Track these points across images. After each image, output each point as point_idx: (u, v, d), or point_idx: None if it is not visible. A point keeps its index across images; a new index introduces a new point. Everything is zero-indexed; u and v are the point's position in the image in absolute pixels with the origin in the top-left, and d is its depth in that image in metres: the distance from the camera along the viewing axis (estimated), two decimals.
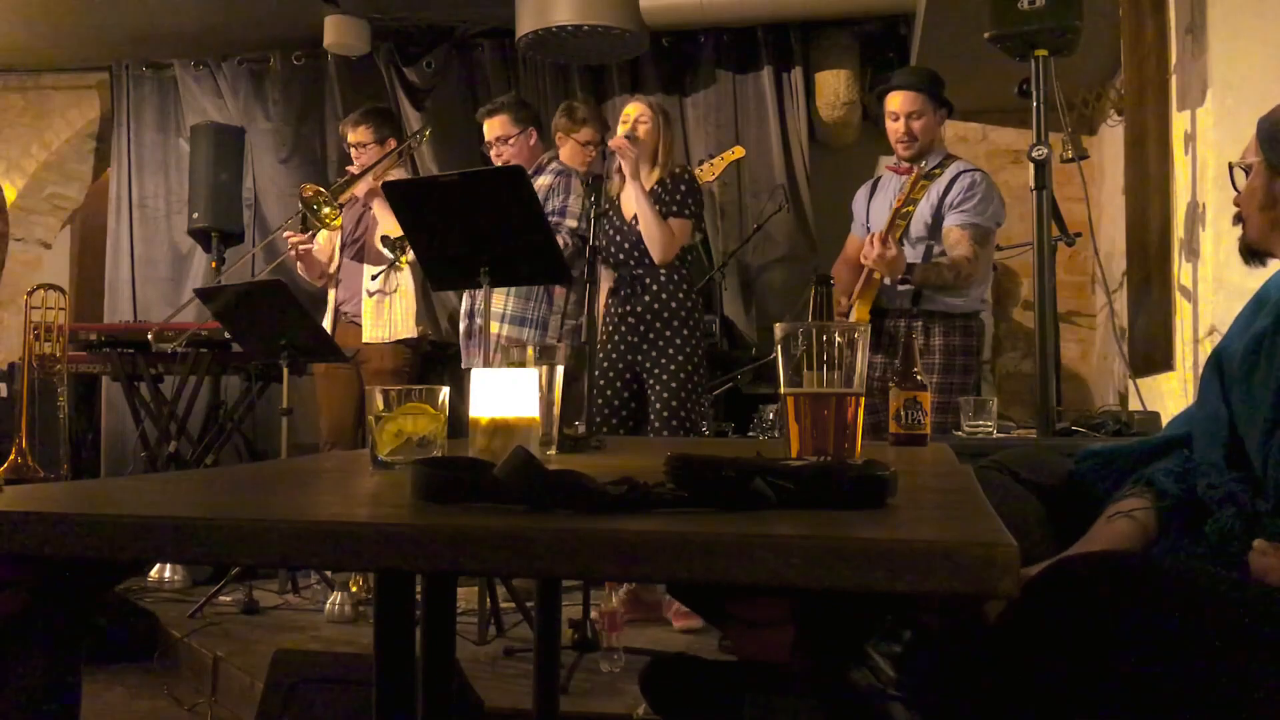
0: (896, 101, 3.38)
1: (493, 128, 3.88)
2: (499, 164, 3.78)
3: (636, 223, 3.45)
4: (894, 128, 3.40)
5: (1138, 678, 1.05)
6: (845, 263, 3.58)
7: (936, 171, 3.35)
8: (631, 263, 3.49)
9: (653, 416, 3.44)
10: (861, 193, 3.63)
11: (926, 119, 3.36)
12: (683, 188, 3.46)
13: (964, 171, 3.33)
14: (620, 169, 3.48)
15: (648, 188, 3.45)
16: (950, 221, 3.29)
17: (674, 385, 3.41)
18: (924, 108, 3.36)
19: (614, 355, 3.49)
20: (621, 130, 3.46)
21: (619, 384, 3.49)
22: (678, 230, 3.43)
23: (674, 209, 3.43)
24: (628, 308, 3.50)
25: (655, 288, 3.47)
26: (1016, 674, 1.08)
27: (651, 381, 3.46)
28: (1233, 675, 1.03)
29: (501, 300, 3.74)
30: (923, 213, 3.31)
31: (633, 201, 3.43)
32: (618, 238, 3.51)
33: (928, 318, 3.31)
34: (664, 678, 1.19)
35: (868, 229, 3.53)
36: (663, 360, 3.44)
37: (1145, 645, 1.05)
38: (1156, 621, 1.07)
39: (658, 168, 3.49)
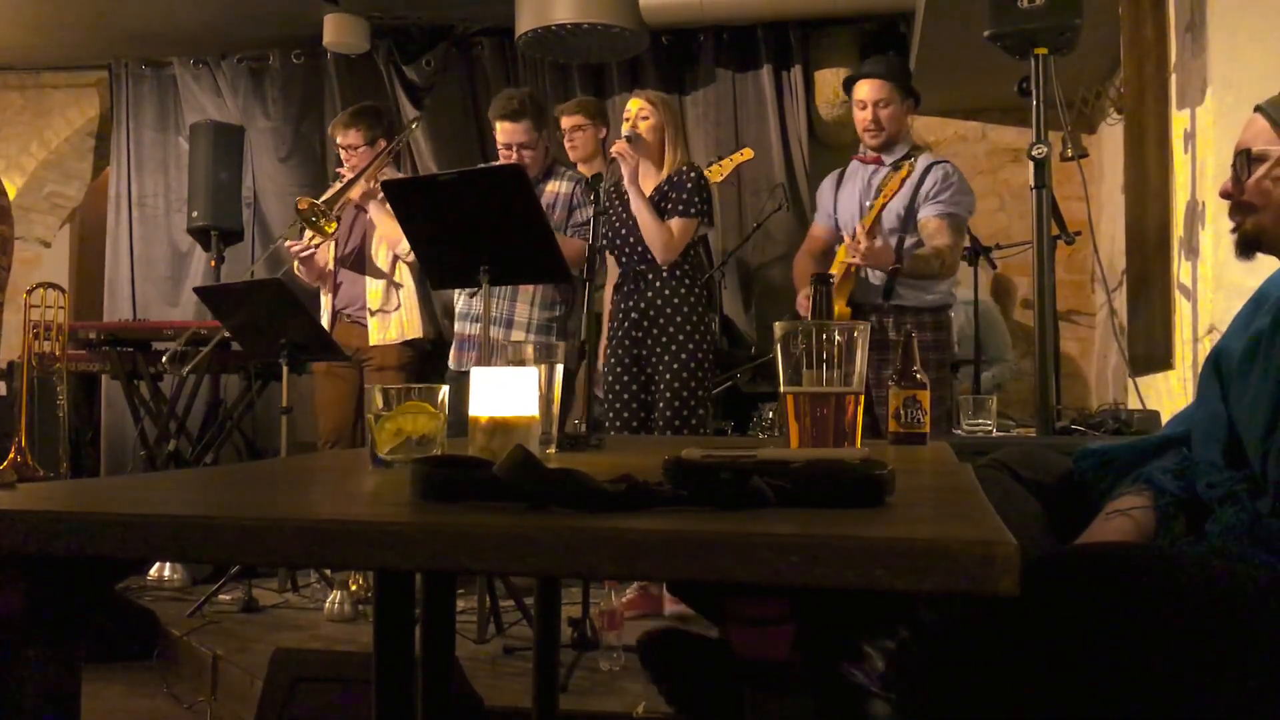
0: (864, 90, 3.39)
1: (514, 133, 3.68)
2: None
3: None
4: (861, 116, 3.41)
5: (1137, 668, 1.05)
6: (808, 254, 3.58)
7: (909, 164, 3.35)
8: (635, 257, 3.47)
9: (656, 414, 3.44)
10: (828, 183, 3.62)
11: (893, 108, 3.37)
12: (688, 185, 3.41)
13: (936, 163, 3.36)
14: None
15: (654, 185, 3.43)
16: (928, 212, 3.30)
17: (678, 384, 3.40)
18: (891, 96, 3.37)
19: (619, 351, 3.48)
20: (624, 130, 3.43)
21: (626, 378, 3.48)
22: (677, 230, 3.39)
23: (679, 208, 3.39)
24: (630, 303, 3.49)
25: (658, 284, 3.45)
26: (1012, 667, 1.08)
27: (656, 379, 3.45)
28: (1235, 668, 1.03)
29: (525, 310, 3.71)
30: (894, 206, 3.30)
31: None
32: (623, 231, 3.47)
33: (898, 313, 3.32)
34: (659, 650, 1.21)
35: (834, 220, 3.53)
36: (667, 358, 3.42)
37: (1145, 637, 1.05)
38: (1153, 614, 1.07)
39: (665, 165, 3.45)
